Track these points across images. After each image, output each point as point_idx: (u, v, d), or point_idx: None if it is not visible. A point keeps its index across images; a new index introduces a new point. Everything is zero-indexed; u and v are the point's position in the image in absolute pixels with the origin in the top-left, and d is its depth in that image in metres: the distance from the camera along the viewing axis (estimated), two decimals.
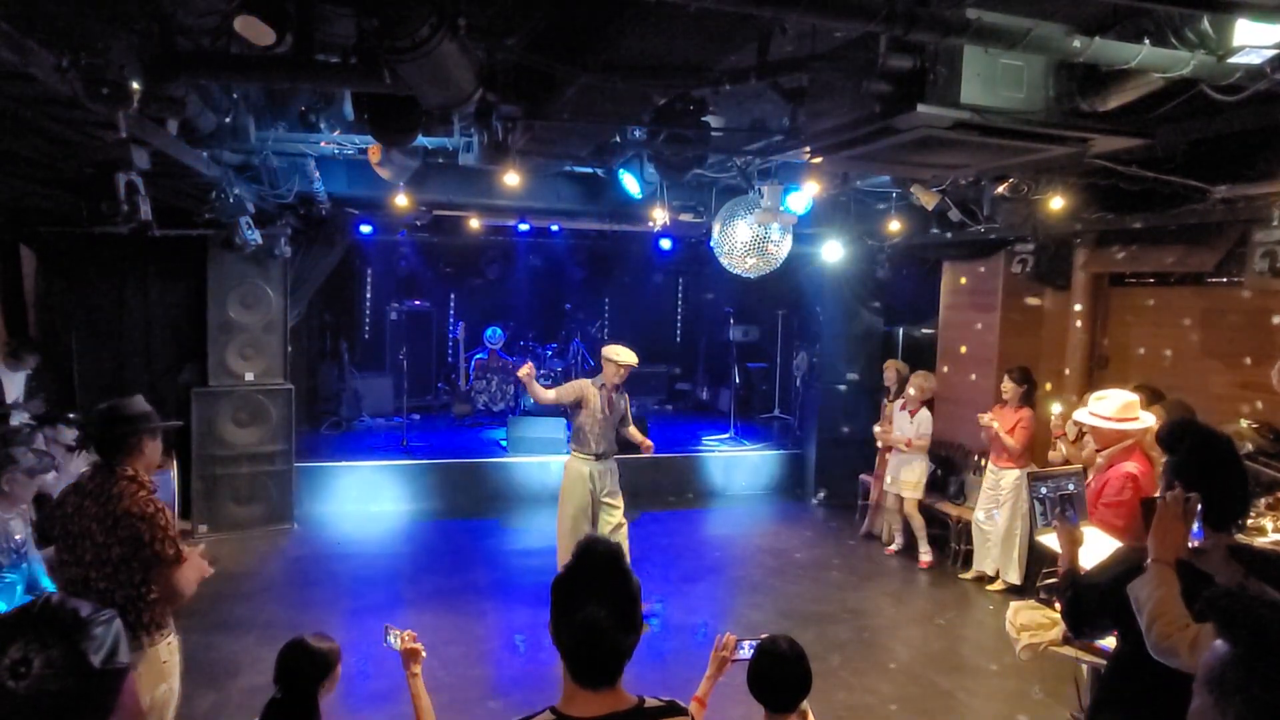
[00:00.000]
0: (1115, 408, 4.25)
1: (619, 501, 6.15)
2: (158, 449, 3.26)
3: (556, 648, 1.75)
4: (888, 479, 7.48)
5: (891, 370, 7.89)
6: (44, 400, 6.79)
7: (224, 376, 7.61)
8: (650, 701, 1.81)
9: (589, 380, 6.22)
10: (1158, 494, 2.50)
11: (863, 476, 8.34)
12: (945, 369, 8.12)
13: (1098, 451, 4.45)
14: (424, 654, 2.76)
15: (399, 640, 2.75)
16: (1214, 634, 1.62)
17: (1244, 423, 5.27)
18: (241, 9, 2.84)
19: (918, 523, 7.33)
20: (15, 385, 6.66)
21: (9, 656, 1.27)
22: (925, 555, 7.32)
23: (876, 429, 7.81)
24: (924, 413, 7.22)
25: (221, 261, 7.51)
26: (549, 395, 6.17)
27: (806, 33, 3.51)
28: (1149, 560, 2.28)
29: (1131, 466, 4.14)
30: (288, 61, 3.39)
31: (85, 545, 2.99)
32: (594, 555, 1.77)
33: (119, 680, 1.37)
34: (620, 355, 6.07)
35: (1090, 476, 4.48)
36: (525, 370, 6.02)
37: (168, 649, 3.12)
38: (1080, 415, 4.52)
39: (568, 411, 6.30)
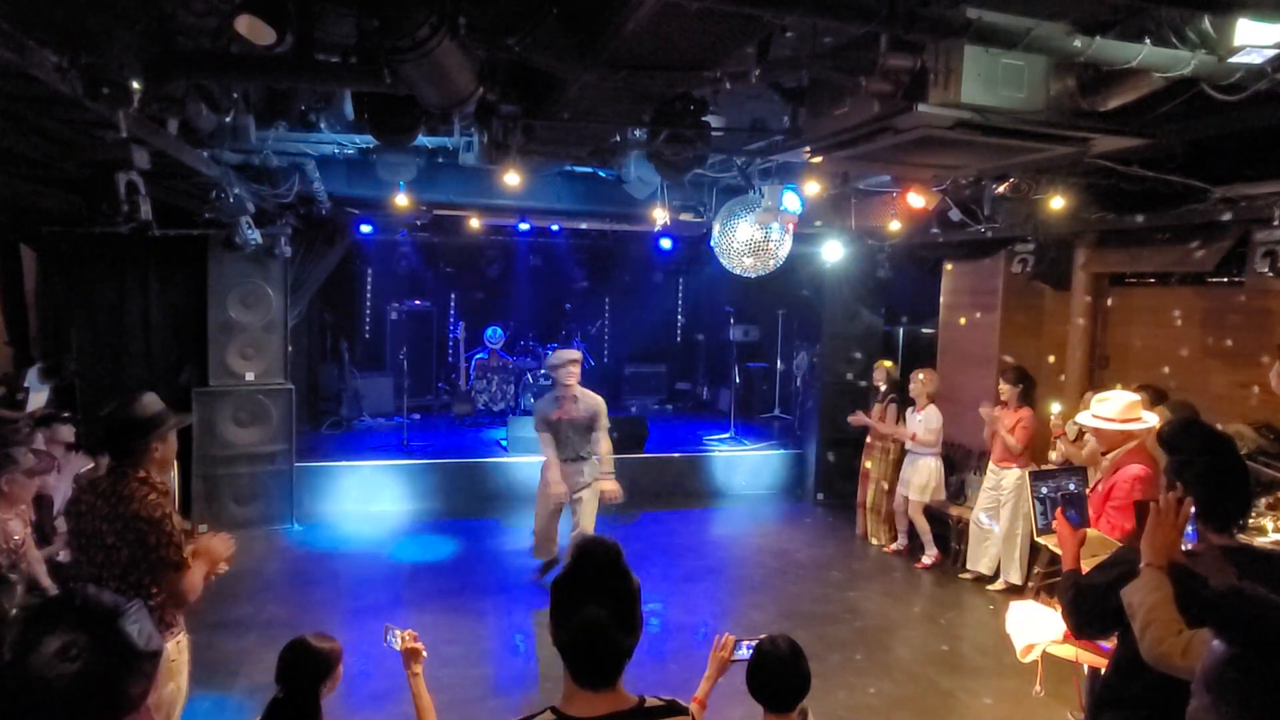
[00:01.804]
0: (1118, 409, 4.23)
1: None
2: (171, 448, 3.23)
3: (557, 648, 1.75)
4: (902, 480, 7.43)
5: (880, 371, 7.89)
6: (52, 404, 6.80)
7: (224, 376, 7.61)
8: (650, 701, 1.81)
9: (545, 397, 6.38)
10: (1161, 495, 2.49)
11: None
12: (945, 369, 8.11)
13: (1103, 454, 4.44)
14: (425, 653, 2.76)
15: (399, 640, 2.75)
16: (1208, 638, 1.62)
17: (1238, 421, 5.27)
18: (242, 8, 2.84)
19: (921, 525, 7.32)
20: (42, 397, 6.67)
21: (56, 641, 1.32)
22: (928, 558, 7.31)
23: (858, 420, 7.81)
24: (930, 409, 7.18)
25: (221, 261, 7.51)
26: (547, 450, 6.20)
27: (807, 32, 3.51)
28: (1142, 564, 2.28)
29: (1138, 468, 4.12)
30: (288, 61, 3.39)
31: (96, 546, 2.99)
32: (594, 556, 1.77)
33: (157, 661, 1.44)
34: (552, 359, 6.27)
35: (1098, 477, 4.48)
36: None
37: (176, 648, 3.12)
38: (1083, 418, 4.50)
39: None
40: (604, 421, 6.25)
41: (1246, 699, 1.52)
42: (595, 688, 1.74)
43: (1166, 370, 6.20)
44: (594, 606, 1.69)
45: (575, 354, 6.35)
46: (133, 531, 2.95)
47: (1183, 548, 2.33)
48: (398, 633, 2.77)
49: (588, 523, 6.21)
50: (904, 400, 7.52)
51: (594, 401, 6.23)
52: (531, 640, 5.66)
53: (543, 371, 11.30)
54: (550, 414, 6.19)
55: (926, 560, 7.29)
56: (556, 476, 6.10)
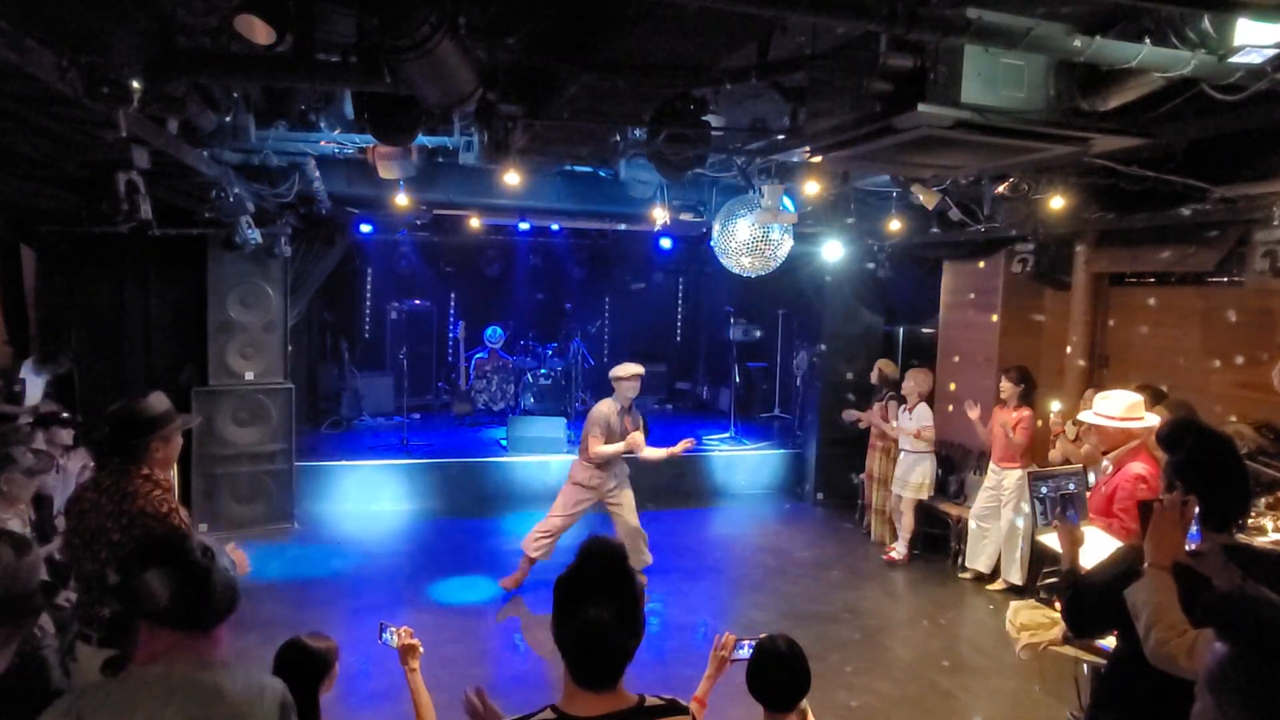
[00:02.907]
0: (1121, 407, 4.23)
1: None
2: (172, 450, 3.23)
3: (558, 648, 1.74)
4: (896, 479, 7.43)
5: (876, 370, 7.92)
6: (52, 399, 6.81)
7: (224, 376, 7.61)
8: (651, 700, 1.81)
9: (607, 404, 6.41)
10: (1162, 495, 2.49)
11: (862, 476, 8.34)
12: (945, 369, 8.12)
13: (1104, 453, 4.43)
14: (421, 650, 2.76)
15: (396, 637, 2.75)
16: (1212, 638, 1.62)
17: (1238, 421, 5.27)
18: (242, 8, 2.84)
19: (907, 521, 7.33)
20: (38, 389, 6.68)
21: (178, 565, 1.85)
22: (897, 553, 7.35)
23: (850, 415, 7.88)
24: (921, 406, 7.21)
25: (221, 261, 7.50)
26: (617, 447, 6.28)
27: (807, 32, 3.51)
28: (1146, 565, 2.27)
29: (1140, 467, 4.11)
30: (288, 61, 3.39)
31: (101, 542, 2.98)
32: (597, 557, 1.77)
33: (238, 582, 1.98)
34: (629, 370, 6.32)
35: (1098, 477, 4.47)
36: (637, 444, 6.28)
37: None
38: (1085, 416, 4.50)
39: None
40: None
41: (1251, 701, 1.52)
42: (596, 688, 1.74)
43: (1166, 370, 6.20)
44: (596, 607, 1.68)
45: (641, 369, 6.48)
46: (139, 527, 2.94)
47: (1187, 548, 2.33)
48: (394, 629, 2.77)
49: (634, 519, 6.41)
50: (901, 398, 7.53)
51: (639, 418, 6.48)
52: (531, 640, 5.66)
53: (543, 371, 11.33)
54: (617, 426, 6.30)
55: (895, 554, 7.34)
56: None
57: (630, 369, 6.35)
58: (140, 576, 1.82)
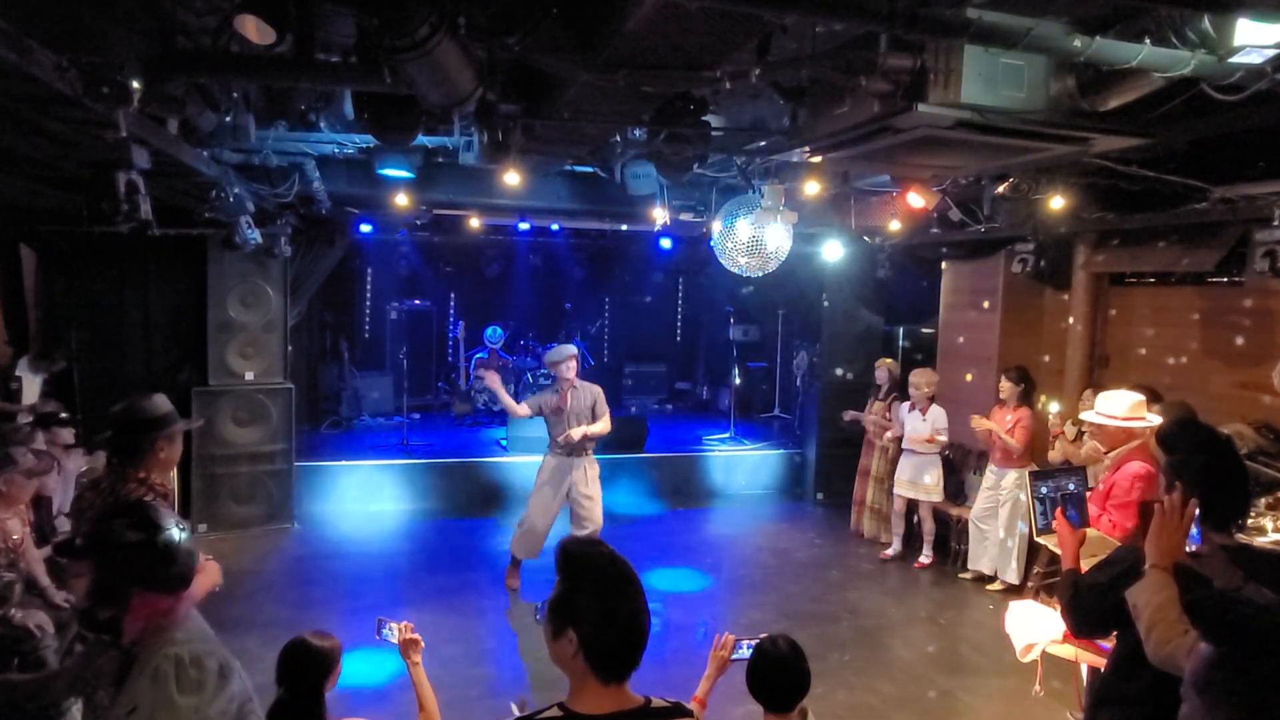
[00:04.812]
0: (1123, 407, 4.24)
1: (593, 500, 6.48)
2: (175, 450, 3.21)
3: (585, 646, 1.70)
4: (904, 482, 7.32)
5: (883, 369, 7.87)
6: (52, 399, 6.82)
7: (224, 376, 7.61)
8: (657, 702, 1.81)
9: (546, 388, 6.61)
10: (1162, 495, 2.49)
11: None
12: (945, 369, 8.11)
13: (1104, 452, 4.44)
14: (422, 644, 2.77)
15: (396, 633, 2.76)
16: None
17: (1238, 421, 5.27)
18: (242, 8, 2.84)
19: (929, 526, 7.29)
20: (34, 387, 6.69)
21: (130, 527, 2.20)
22: (925, 558, 7.29)
23: (850, 416, 7.87)
24: (935, 408, 7.12)
25: (221, 261, 7.51)
26: (523, 409, 6.46)
27: (807, 31, 3.51)
28: (1147, 566, 2.27)
29: (1138, 466, 4.12)
30: (288, 61, 3.40)
31: None
32: (599, 556, 1.77)
33: (194, 558, 2.35)
34: (556, 354, 6.43)
35: (1099, 477, 4.48)
36: (492, 379, 6.45)
37: None
38: (1087, 415, 4.51)
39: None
40: (604, 407, 6.49)
41: (1236, 699, 1.52)
42: (621, 678, 1.74)
43: (1166, 370, 6.20)
44: (634, 600, 1.72)
45: (573, 349, 6.53)
46: None
47: (1189, 549, 2.33)
48: (393, 625, 2.78)
49: (599, 519, 6.44)
50: (905, 398, 7.52)
51: (593, 390, 6.47)
52: (532, 640, 5.66)
53: (543, 371, 11.32)
54: (552, 402, 6.36)
55: (924, 560, 7.29)
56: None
57: (554, 353, 6.50)
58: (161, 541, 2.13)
